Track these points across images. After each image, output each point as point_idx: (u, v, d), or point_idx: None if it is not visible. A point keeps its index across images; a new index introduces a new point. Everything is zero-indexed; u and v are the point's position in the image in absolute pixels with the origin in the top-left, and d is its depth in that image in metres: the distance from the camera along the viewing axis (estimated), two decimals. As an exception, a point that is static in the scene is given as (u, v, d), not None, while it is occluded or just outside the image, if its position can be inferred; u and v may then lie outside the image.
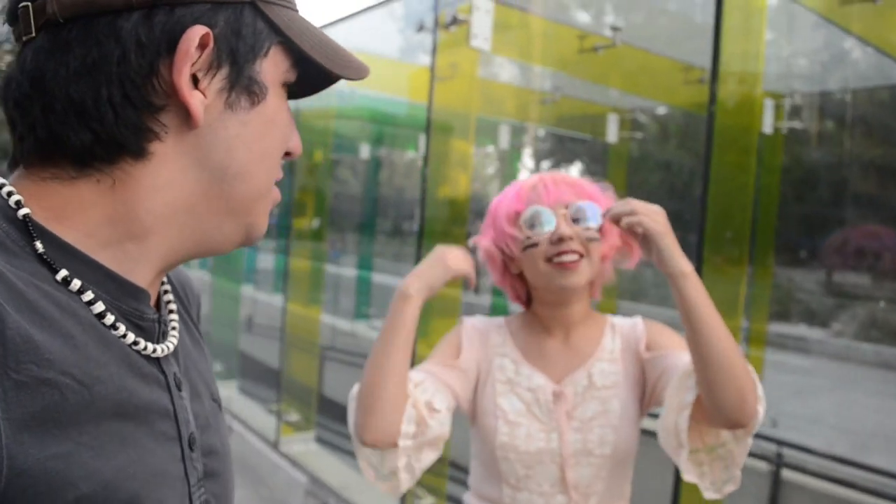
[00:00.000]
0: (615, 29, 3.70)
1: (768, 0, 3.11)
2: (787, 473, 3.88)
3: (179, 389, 0.69)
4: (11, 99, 0.62)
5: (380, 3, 4.32)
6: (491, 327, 1.62)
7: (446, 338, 1.60)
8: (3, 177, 0.63)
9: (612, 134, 5.02)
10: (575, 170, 25.80)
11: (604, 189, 1.57)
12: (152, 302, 0.69)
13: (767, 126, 4.05)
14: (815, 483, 3.79)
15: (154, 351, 0.66)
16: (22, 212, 0.60)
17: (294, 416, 5.35)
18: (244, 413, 5.95)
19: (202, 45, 0.62)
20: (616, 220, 1.39)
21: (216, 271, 7.35)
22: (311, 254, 5.70)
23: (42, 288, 0.57)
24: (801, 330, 11.31)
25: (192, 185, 0.65)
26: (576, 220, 1.47)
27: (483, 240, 1.57)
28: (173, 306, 0.77)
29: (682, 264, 1.34)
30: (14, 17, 0.63)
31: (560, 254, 1.44)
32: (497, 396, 1.53)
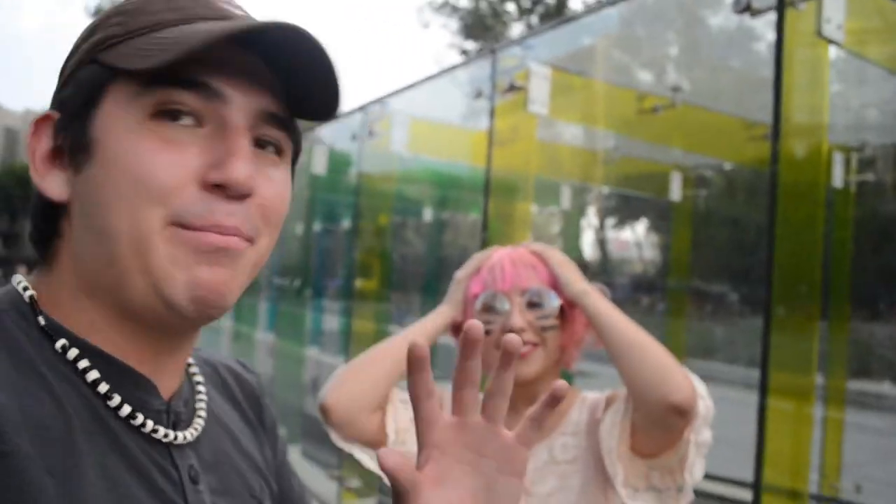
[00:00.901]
0: (675, 89, 3.70)
1: (832, 52, 3.09)
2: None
3: (196, 482, 0.68)
4: None
5: (442, 72, 4.41)
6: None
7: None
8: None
9: (675, 192, 4.98)
10: (641, 227, 25.61)
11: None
12: (169, 390, 0.70)
13: (837, 180, 3.98)
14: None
15: (155, 432, 0.66)
16: (27, 294, 0.66)
17: (355, 482, 5.30)
18: (306, 478, 5.94)
19: (38, 133, 0.68)
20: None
21: (280, 333, 7.42)
22: (375, 315, 5.74)
23: (38, 369, 0.61)
24: (883, 387, 10.83)
25: (89, 254, 0.65)
26: (533, 305, 1.43)
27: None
28: (203, 396, 0.76)
29: (582, 285, 1.41)
30: None
31: None
32: None
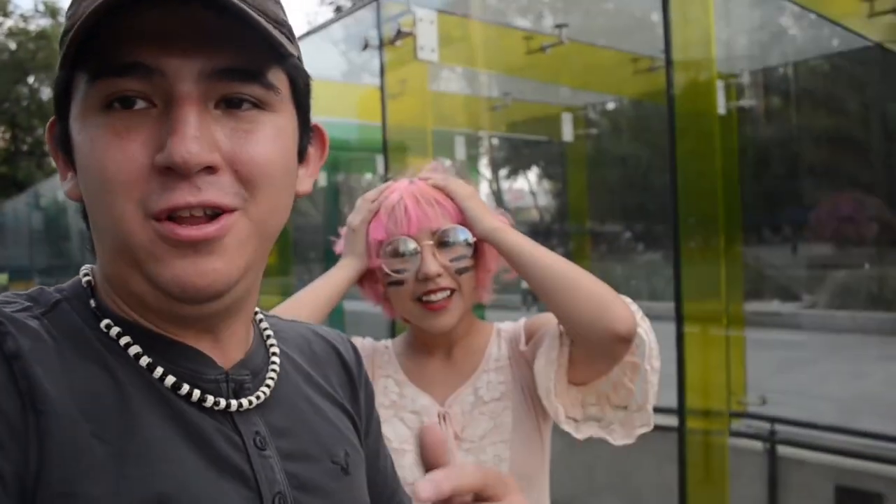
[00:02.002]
0: (560, 26, 3.68)
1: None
2: (782, 449, 3.88)
3: (262, 448, 0.68)
4: None
5: (327, 23, 4.26)
6: (378, 348, 1.51)
7: None
8: None
9: (567, 133, 5.00)
10: (533, 175, 26.00)
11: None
12: (233, 359, 0.71)
13: (721, 107, 4.07)
14: (811, 455, 3.79)
15: (217, 404, 0.66)
16: (85, 279, 0.69)
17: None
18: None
19: (50, 139, 0.70)
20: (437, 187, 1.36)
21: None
22: (280, 290, 5.60)
23: (94, 350, 0.63)
24: (774, 306, 11.43)
25: (97, 246, 0.68)
26: (444, 245, 1.33)
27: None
28: (276, 359, 0.76)
29: (492, 221, 1.32)
30: None
31: (427, 293, 1.32)
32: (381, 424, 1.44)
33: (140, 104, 0.60)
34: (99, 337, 0.64)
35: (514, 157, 23.21)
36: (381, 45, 3.12)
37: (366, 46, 3.13)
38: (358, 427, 0.85)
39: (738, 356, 4.41)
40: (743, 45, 5.31)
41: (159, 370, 0.64)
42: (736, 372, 4.37)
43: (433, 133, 3.84)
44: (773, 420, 4.09)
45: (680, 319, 2.98)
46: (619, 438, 1.33)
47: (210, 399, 0.66)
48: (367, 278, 1.44)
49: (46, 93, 24.59)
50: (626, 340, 1.21)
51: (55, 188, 13.07)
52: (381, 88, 3.27)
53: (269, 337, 0.79)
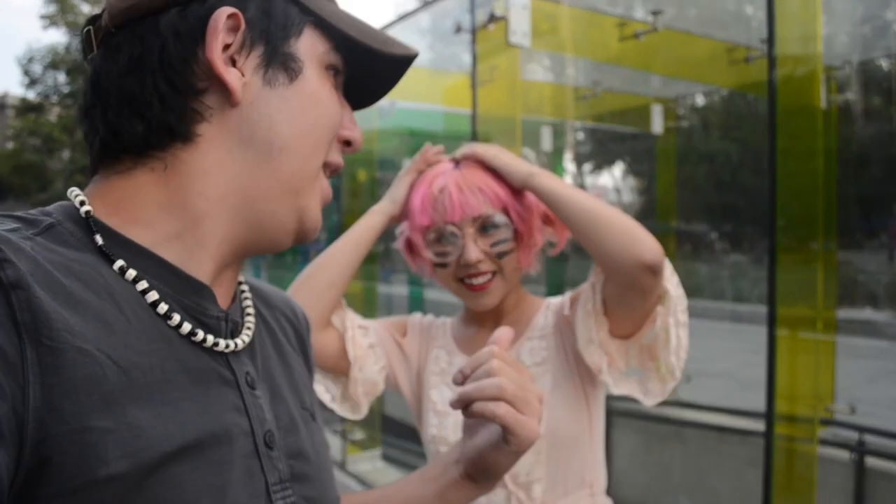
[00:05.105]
0: (656, 13, 3.59)
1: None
2: (871, 461, 3.73)
3: (252, 388, 0.70)
4: (81, 110, 0.69)
5: (405, 16, 4.26)
6: (434, 323, 1.61)
7: (394, 318, 1.63)
8: (82, 186, 0.69)
9: (657, 125, 4.89)
10: (618, 170, 25.57)
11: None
12: (224, 303, 0.72)
13: (822, 101, 3.91)
14: (900, 468, 3.63)
15: (216, 345, 0.67)
16: (84, 209, 0.64)
17: (359, 435, 5.38)
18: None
19: (234, 28, 0.66)
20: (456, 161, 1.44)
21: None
22: (363, 274, 5.66)
23: (98, 280, 0.60)
24: (866, 313, 10.96)
25: (240, 164, 0.68)
26: (486, 231, 1.39)
27: (401, 239, 1.55)
28: (251, 310, 0.78)
29: (527, 168, 1.38)
30: (86, 44, 0.69)
31: (469, 276, 1.41)
32: (429, 389, 1.50)
33: (338, 78, 0.75)
34: (104, 268, 0.62)
35: (599, 152, 22.89)
36: (474, 30, 3.10)
37: (458, 30, 3.12)
38: (308, 378, 0.89)
39: (828, 363, 4.27)
40: (844, 37, 5.08)
41: (163, 306, 0.63)
42: (825, 379, 4.24)
43: (521, 122, 3.81)
44: (862, 430, 3.93)
45: (772, 322, 2.88)
46: (652, 397, 1.36)
47: (211, 339, 0.67)
48: (411, 251, 1.54)
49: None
50: (653, 270, 1.25)
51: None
52: (472, 74, 3.25)
53: (244, 290, 0.81)
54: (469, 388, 0.85)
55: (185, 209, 0.66)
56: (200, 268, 0.68)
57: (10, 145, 27.92)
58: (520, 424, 0.83)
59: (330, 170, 0.75)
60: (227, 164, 0.67)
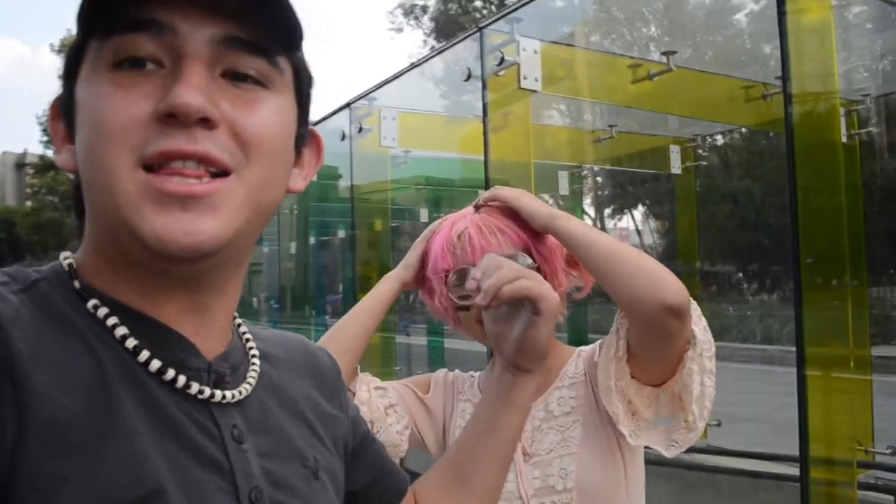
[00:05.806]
0: (668, 53, 3.58)
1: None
2: (916, 506, 3.58)
3: (240, 441, 0.68)
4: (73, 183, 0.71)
5: (416, 64, 4.29)
6: (461, 377, 1.58)
7: (417, 376, 1.61)
8: None
9: (675, 166, 4.87)
10: (638, 213, 25.53)
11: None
12: (214, 350, 0.70)
13: (843, 136, 3.86)
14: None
15: (201, 392, 0.66)
16: (66, 262, 0.67)
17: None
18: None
19: (53, 115, 0.70)
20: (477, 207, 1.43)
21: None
22: (382, 326, 5.62)
23: (73, 327, 0.61)
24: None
25: (89, 210, 0.67)
26: None
27: (424, 294, 1.52)
28: (256, 360, 0.77)
29: (549, 210, 1.35)
30: None
31: None
32: None
33: (149, 66, 0.62)
34: (80, 317, 0.63)
35: (619, 195, 22.88)
36: (484, 75, 3.10)
37: (469, 77, 3.12)
38: (338, 428, 0.87)
39: (865, 403, 4.16)
40: (864, 71, 5.05)
41: (145, 353, 0.63)
42: (862, 420, 4.12)
43: (536, 167, 3.78)
44: (906, 472, 3.79)
45: (801, 363, 2.79)
46: (674, 449, 1.31)
47: (195, 386, 0.66)
48: (427, 293, 1.50)
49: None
50: (677, 313, 1.20)
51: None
52: (483, 120, 3.24)
53: (248, 339, 0.80)
54: (491, 280, 0.92)
55: (100, 263, 0.67)
56: (165, 316, 0.67)
57: (28, 203, 28.51)
58: (543, 289, 0.92)
59: (157, 164, 0.62)
60: (88, 218, 0.68)
